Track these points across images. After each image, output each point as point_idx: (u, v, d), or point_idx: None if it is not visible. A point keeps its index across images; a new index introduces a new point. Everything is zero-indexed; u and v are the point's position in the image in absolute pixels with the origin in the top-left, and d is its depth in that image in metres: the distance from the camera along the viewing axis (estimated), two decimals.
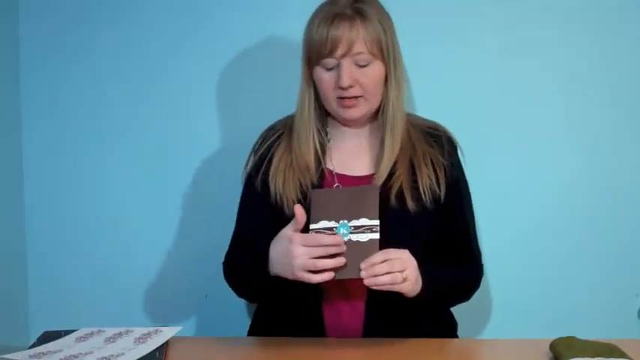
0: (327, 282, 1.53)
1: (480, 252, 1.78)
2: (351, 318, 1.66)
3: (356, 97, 1.63)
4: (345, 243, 1.52)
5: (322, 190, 1.64)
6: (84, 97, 2.15)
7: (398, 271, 1.49)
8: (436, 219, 1.67)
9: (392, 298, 1.56)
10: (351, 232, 1.52)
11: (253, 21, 2.07)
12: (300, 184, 1.66)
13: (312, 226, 1.54)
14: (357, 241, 1.52)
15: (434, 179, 1.66)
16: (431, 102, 2.01)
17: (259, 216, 1.71)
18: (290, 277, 1.52)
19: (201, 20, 2.09)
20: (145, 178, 2.16)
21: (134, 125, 2.16)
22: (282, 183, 1.67)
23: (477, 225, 1.80)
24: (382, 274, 1.48)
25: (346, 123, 1.72)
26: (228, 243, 1.80)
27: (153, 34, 2.11)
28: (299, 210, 1.51)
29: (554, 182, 2.10)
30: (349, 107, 1.65)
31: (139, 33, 2.12)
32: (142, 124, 2.16)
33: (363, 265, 1.48)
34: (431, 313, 1.72)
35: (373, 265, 1.48)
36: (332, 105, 1.67)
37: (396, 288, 1.50)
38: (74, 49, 2.14)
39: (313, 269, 1.49)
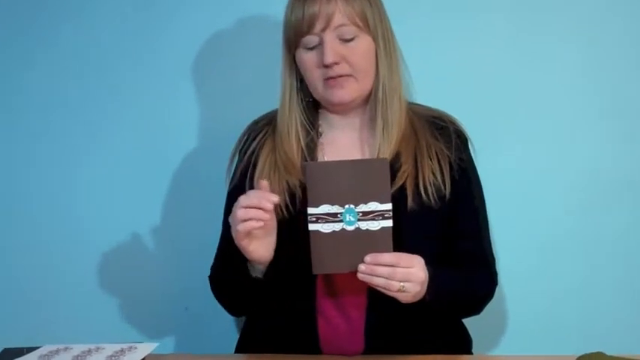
0: (322, 289, 1.52)
1: (494, 258, 1.68)
2: (350, 333, 1.58)
3: (343, 77, 1.56)
4: (352, 232, 1.43)
5: (319, 164, 1.55)
6: (56, 93, 2.11)
7: (397, 280, 1.43)
8: (442, 219, 1.60)
9: (395, 311, 1.51)
10: (359, 219, 1.43)
11: (233, 5, 2.01)
12: (288, 186, 1.59)
13: (310, 211, 1.44)
14: (367, 230, 1.43)
15: (438, 175, 1.59)
16: (437, 88, 1.89)
17: None
18: (245, 249, 1.50)
19: (176, 7, 2.05)
20: (121, 181, 2.09)
21: (108, 123, 2.10)
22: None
23: (490, 228, 1.71)
24: (378, 276, 1.43)
25: (336, 109, 1.64)
26: (213, 251, 1.73)
27: (127, 25, 2.06)
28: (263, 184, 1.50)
29: (581, 179, 1.97)
30: (337, 88, 1.57)
31: (112, 24, 2.07)
32: (116, 122, 2.09)
33: (368, 259, 1.42)
34: (440, 327, 1.64)
35: (378, 263, 1.42)
36: (318, 89, 1.59)
37: (389, 294, 1.45)
38: (39, 40, 2.09)
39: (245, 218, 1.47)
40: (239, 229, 1.46)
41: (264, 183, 1.50)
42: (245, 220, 1.45)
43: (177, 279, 2.08)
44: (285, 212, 1.57)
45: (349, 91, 1.58)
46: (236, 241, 1.49)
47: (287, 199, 1.58)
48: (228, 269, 1.61)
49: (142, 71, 2.07)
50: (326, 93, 1.59)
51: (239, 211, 1.45)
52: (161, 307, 2.11)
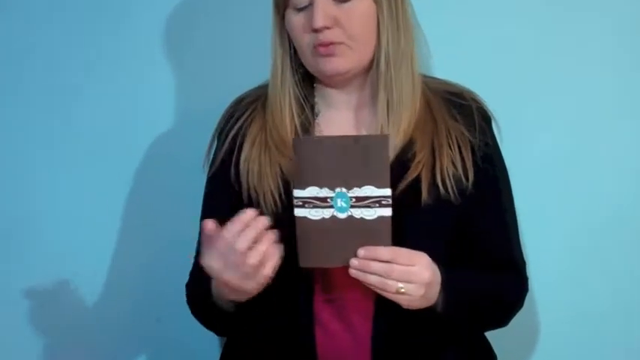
0: (320, 293, 1.43)
1: (524, 260, 1.57)
2: (354, 346, 1.48)
3: (336, 44, 1.46)
4: (344, 220, 1.34)
5: (308, 139, 1.46)
6: (6, 67, 1.97)
7: (394, 279, 1.34)
8: (462, 215, 1.49)
9: (407, 320, 1.42)
10: (352, 206, 1.33)
11: None
12: (281, 171, 1.49)
13: (296, 193, 1.35)
14: (362, 218, 1.33)
15: (459, 165, 1.48)
16: (448, 60, 1.76)
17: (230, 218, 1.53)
18: (253, 293, 1.37)
19: None
20: (81, 168, 1.96)
21: (65, 100, 1.96)
22: (256, 172, 1.51)
23: (518, 225, 1.59)
24: (372, 273, 1.34)
25: (332, 82, 1.53)
26: (189, 250, 1.60)
27: None
28: (208, 225, 1.34)
29: (628, 167, 1.83)
30: (328, 56, 1.45)
31: None
32: (75, 99, 1.95)
33: (362, 252, 1.33)
34: (460, 341, 1.52)
35: (374, 258, 1.34)
36: (307, 57, 1.49)
37: (387, 296, 1.36)
38: None
39: (252, 272, 1.32)
40: (261, 281, 1.32)
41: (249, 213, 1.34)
42: (258, 266, 1.30)
43: (148, 284, 1.97)
44: (278, 203, 1.47)
45: (343, 61, 1.47)
46: (248, 292, 1.35)
47: (280, 187, 1.48)
48: (204, 290, 1.49)
49: (108, 35, 1.93)
50: (316, 62, 1.48)
51: (251, 259, 1.30)
52: (128, 319, 1.99)
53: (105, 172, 1.96)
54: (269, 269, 1.31)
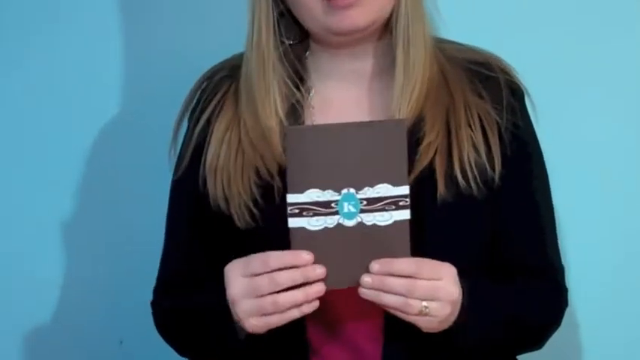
0: (313, 315, 1.24)
1: (563, 266, 1.40)
2: None
3: None
4: (353, 228, 1.20)
5: (305, 129, 1.30)
6: None
7: (417, 298, 1.20)
8: (488, 214, 1.33)
9: (424, 343, 1.27)
10: (362, 210, 1.19)
11: None
12: (258, 175, 1.33)
13: (291, 199, 1.19)
14: (374, 225, 1.19)
15: (483, 149, 1.31)
16: (472, 27, 1.61)
17: (200, 230, 1.42)
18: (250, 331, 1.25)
19: None
20: (27, 164, 1.84)
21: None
22: (225, 179, 1.35)
23: (556, 223, 1.42)
24: (390, 292, 1.20)
25: (341, 42, 1.35)
26: (157, 263, 1.49)
27: None
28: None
29: None
30: (346, 7, 1.28)
31: None
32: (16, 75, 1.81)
33: (376, 267, 1.18)
34: None
35: (391, 273, 1.19)
36: (314, 12, 1.30)
37: (407, 319, 1.22)
38: None
39: (270, 311, 1.20)
40: (271, 325, 1.20)
41: None
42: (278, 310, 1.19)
43: (109, 302, 1.86)
44: (255, 215, 1.32)
45: (363, 12, 1.28)
46: (255, 330, 1.22)
47: (258, 195, 1.32)
48: (193, 314, 1.36)
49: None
50: (330, 19, 1.29)
51: (281, 299, 1.19)
52: (88, 341, 1.87)
53: (59, 166, 1.81)
54: (282, 320, 1.18)
